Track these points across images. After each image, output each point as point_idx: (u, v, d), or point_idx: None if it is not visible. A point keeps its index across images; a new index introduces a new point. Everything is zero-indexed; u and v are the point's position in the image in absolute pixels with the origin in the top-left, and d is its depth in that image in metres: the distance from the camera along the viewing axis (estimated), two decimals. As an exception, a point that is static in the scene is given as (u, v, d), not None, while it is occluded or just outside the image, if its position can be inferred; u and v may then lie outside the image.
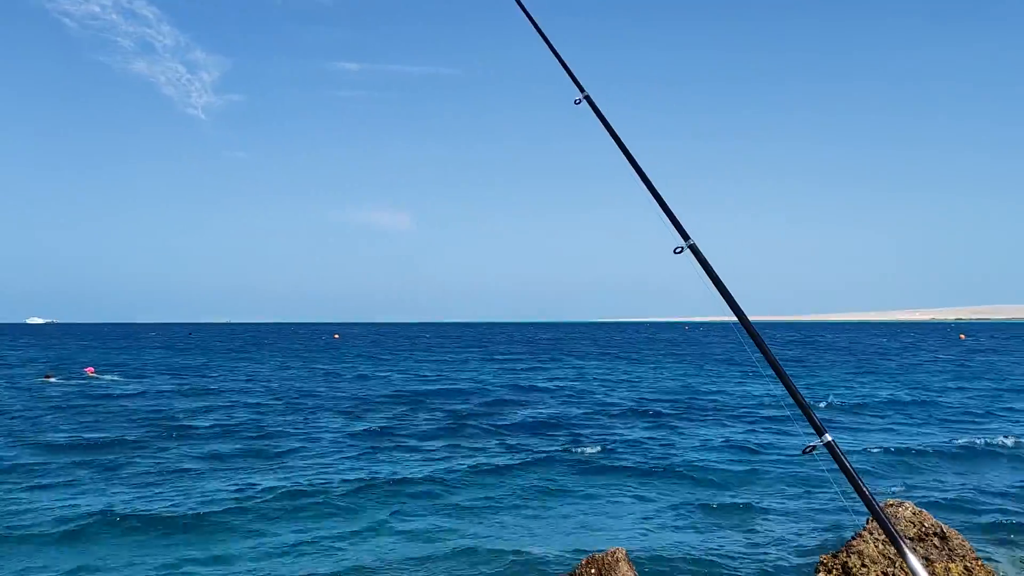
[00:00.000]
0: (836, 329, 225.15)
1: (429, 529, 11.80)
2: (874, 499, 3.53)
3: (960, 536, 9.91)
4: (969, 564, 9.39)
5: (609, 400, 30.06)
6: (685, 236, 4.48)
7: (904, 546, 3.37)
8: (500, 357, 63.30)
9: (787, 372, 3.93)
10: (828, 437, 3.71)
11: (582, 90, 5.24)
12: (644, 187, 4.73)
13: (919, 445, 19.28)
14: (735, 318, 4.21)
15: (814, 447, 3.74)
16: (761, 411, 26.24)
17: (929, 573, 8.88)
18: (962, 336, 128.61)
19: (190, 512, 12.51)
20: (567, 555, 10.32)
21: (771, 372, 4.06)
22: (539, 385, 36.47)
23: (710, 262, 4.38)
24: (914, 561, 3.34)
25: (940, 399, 30.48)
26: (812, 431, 3.83)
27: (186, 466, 16.54)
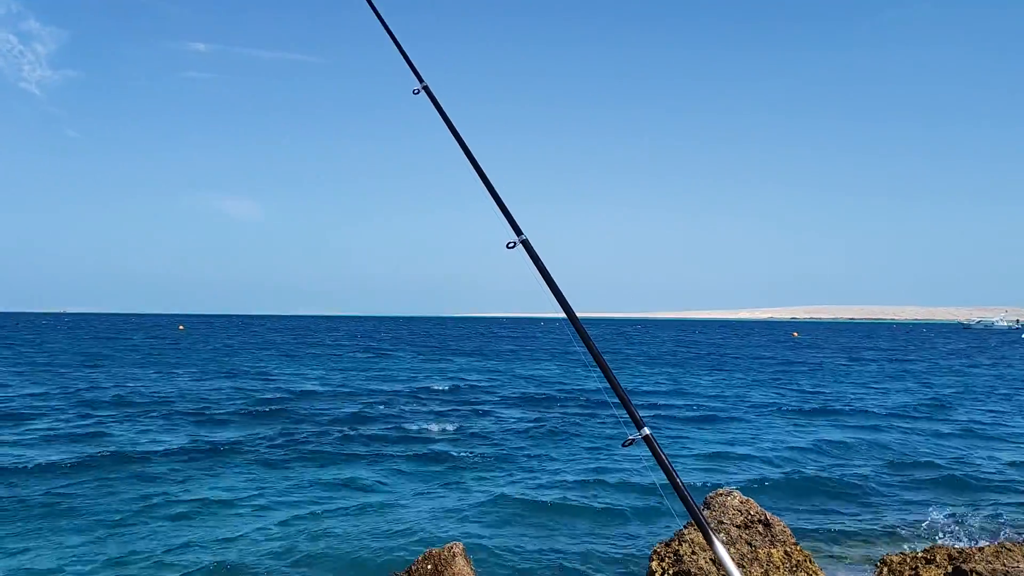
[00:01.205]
0: (687, 326, 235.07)
1: (256, 532, 11.40)
2: (687, 490, 3.64)
3: (782, 523, 10.50)
4: (789, 549, 9.96)
5: (448, 395, 30.04)
6: (518, 231, 4.50)
7: (712, 535, 3.50)
8: (333, 354, 61.89)
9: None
10: (646, 430, 3.81)
11: (421, 80, 5.19)
12: (480, 181, 4.72)
13: (744, 435, 20.38)
14: (580, 316, 4.26)
15: (633, 440, 3.82)
16: (591, 404, 26.98)
17: (736, 559, 9.35)
18: (795, 334, 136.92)
19: None
20: (403, 551, 10.25)
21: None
22: (375, 382, 36.11)
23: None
24: (720, 549, 3.47)
25: (749, 393, 32.34)
26: (634, 424, 3.92)
27: None
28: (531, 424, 22.06)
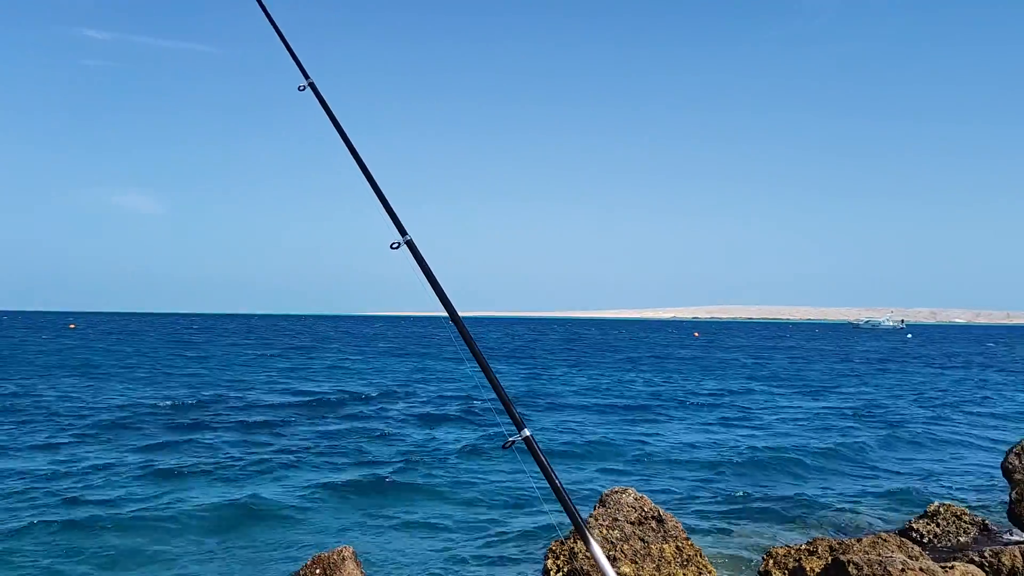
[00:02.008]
0: (596, 325, 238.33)
1: (140, 545, 10.95)
2: (564, 490, 3.67)
3: (675, 519, 10.74)
4: (680, 544, 10.19)
5: (329, 395, 29.15)
6: (403, 231, 4.46)
7: (588, 534, 3.54)
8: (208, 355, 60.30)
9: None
10: (527, 432, 3.82)
11: (307, 76, 5.08)
12: (365, 179, 4.65)
13: (649, 432, 20.83)
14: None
15: (513, 441, 3.83)
16: (475, 405, 26.38)
17: (629, 555, 9.52)
18: (696, 334, 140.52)
19: None
20: (293, 555, 10.06)
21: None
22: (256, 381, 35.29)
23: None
24: (595, 548, 3.52)
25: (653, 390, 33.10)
26: (515, 425, 3.92)
27: None
28: (420, 428, 21.63)
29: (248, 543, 10.98)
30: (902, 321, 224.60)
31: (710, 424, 23.24)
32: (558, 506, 3.47)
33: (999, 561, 8.18)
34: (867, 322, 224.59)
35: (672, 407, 26.98)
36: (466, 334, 4.11)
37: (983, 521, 12.10)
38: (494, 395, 4.10)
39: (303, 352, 60.80)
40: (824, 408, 28.07)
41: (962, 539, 11.69)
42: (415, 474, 15.56)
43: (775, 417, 25.22)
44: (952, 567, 8.19)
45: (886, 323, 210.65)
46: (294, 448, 17.97)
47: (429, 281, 4.30)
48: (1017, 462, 10.59)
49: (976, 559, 8.45)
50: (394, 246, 4.41)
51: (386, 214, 4.53)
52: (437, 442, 19.26)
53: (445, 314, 4.21)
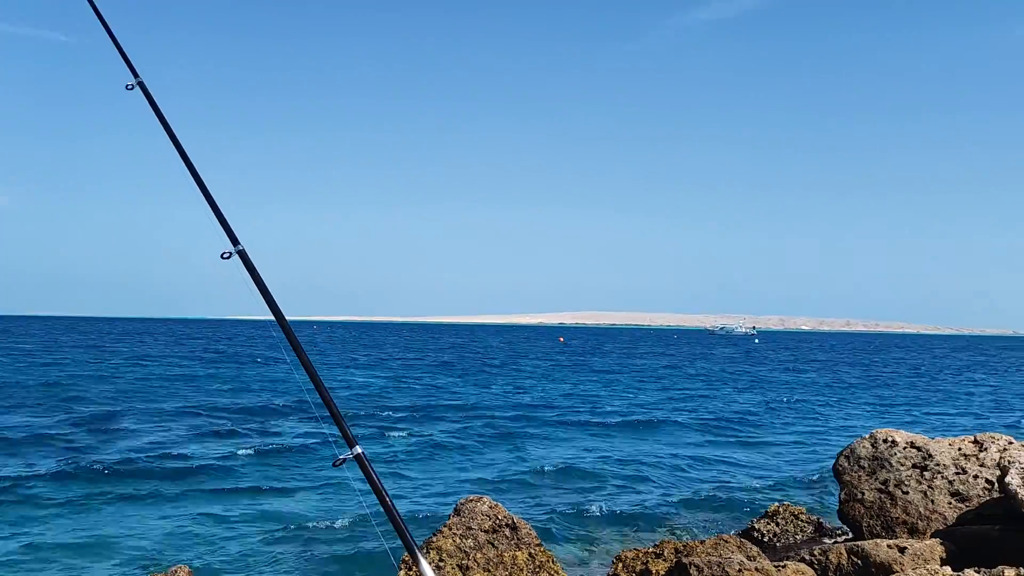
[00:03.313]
0: (465, 330, 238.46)
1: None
2: (395, 509, 3.60)
3: (528, 526, 10.85)
4: (533, 551, 10.30)
5: (158, 405, 27.14)
6: (235, 240, 4.28)
7: (417, 553, 3.49)
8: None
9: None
10: (358, 449, 3.74)
11: (136, 75, 4.81)
12: (196, 186, 4.44)
13: (470, 438, 21.08)
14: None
15: (344, 459, 3.74)
16: (307, 420, 24.14)
17: (482, 563, 9.53)
18: (561, 339, 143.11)
19: None
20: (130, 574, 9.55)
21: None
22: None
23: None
24: (424, 566, 3.47)
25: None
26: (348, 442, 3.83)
27: None
28: (249, 440, 20.12)
29: (83, 559, 10.35)
30: (753, 327, 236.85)
31: (575, 433, 23.61)
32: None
33: (827, 559, 8.65)
34: (722, 328, 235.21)
35: (535, 416, 27.25)
36: (298, 346, 3.98)
37: (818, 520, 12.81)
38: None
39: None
40: (678, 412, 29.08)
41: (799, 538, 12.34)
42: (257, 488, 14.79)
43: (629, 425, 25.93)
44: (784, 566, 8.62)
45: (739, 329, 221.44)
46: (128, 451, 17.12)
47: (263, 294, 4.14)
48: (847, 464, 11.25)
49: (807, 558, 8.91)
50: (225, 256, 4.23)
51: (217, 222, 4.34)
52: (271, 457, 17.95)
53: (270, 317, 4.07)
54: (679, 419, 27.01)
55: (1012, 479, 8.24)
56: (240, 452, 18.31)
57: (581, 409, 29.25)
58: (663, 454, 19.75)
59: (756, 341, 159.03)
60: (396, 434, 21.81)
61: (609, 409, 29.60)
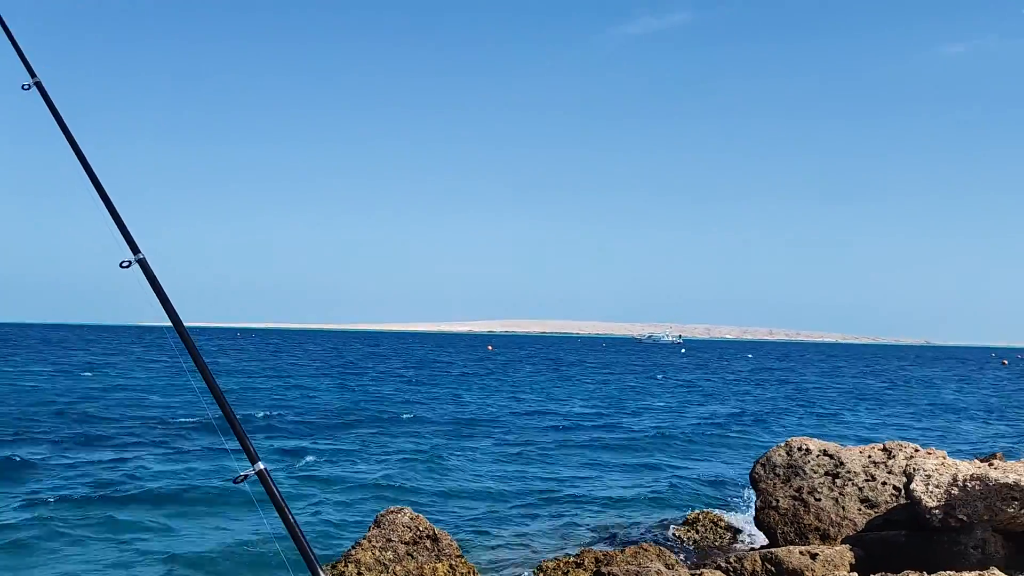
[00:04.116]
0: (395, 338, 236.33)
1: None
2: (298, 527, 3.51)
3: (450, 537, 10.78)
4: (454, 562, 10.23)
5: (44, 420, 24.66)
6: (135, 249, 4.13)
7: (319, 569, 3.41)
8: None
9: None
10: (261, 465, 3.63)
11: (33, 75, 4.60)
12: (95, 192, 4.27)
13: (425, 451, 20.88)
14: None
15: (246, 476, 3.63)
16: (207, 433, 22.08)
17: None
18: (490, 347, 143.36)
19: None
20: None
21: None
22: None
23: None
24: (325, 582, 3.39)
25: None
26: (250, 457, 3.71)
27: None
28: (142, 458, 18.48)
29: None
30: (679, 336, 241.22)
31: (500, 443, 23.58)
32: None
33: (742, 566, 8.79)
34: (649, 337, 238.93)
35: (459, 426, 27.13)
36: (198, 357, 3.85)
37: (736, 527, 13.06)
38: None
39: None
40: (604, 421, 29.34)
41: (718, 544, 12.56)
42: (157, 505, 13.86)
43: (554, 433, 26.06)
44: (700, 574, 8.74)
45: (665, 338, 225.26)
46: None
47: (163, 305, 4.00)
48: (763, 472, 11.48)
49: (723, 565, 9.04)
50: (124, 265, 4.07)
51: (117, 229, 4.17)
52: (153, 478, 16.39)
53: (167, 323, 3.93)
54: (604, 428, 27.24)
55: (917, 486, 8.51)
56: (133, 470, 16.89)
57: (506, 418, 29.26)
58: (588, 463, 19.88)
59: (682, 350, 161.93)
60: (307, 445, 21.04)
61: (536, 418, 29.68)
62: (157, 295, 4.01)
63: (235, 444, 3.74)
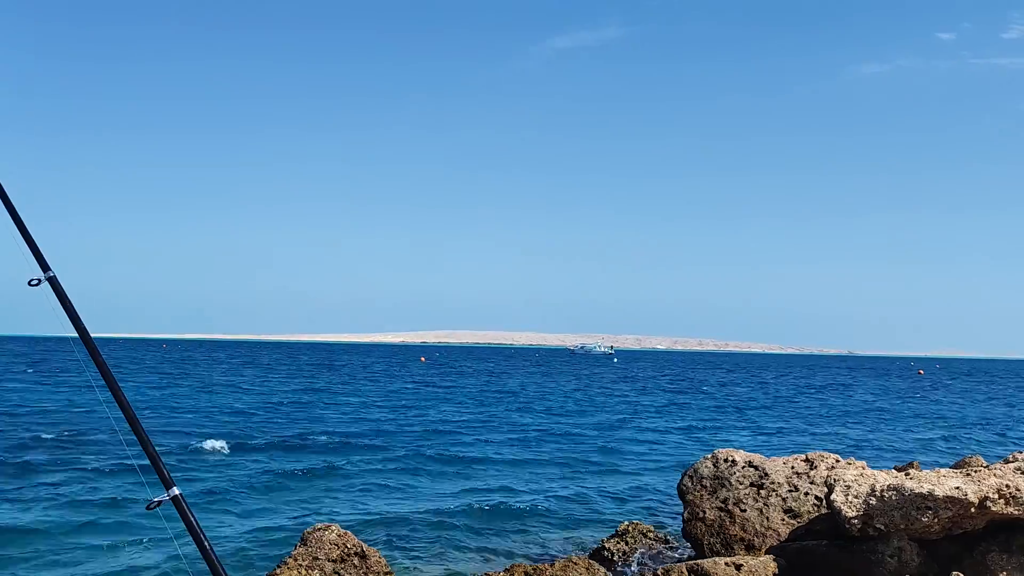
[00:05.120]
0: (323, 349, 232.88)
1: None
2: (216, 557, 3.41)
3: (378, 554, 10.66)
4: (381, 580, 10.13)
5: None
6: (45, 267, 3.98)
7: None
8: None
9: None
10: (176, 490, 3.52)
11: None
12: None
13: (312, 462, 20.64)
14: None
15: (160, 502, 3.52)
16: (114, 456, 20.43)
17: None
18: (423, 359, 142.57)
19: None
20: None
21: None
22: None
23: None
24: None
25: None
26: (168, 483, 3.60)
27: None
28: (46, 484, 17.08)
29: None
30: (611, 347, 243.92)
31: (429, 457, 23.39)
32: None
33: (669, 578, 8.88)
34: (582, 347, 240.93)
35: (389, 441, 26.86)
36: (110, 378, 3.72)
37: (666, 537, 13.20)
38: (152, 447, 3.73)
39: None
40: (535, 433, 29.41)
41: (647, 556, 12.67)
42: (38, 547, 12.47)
43: (491, 444, 26.03)
44: (629, 587, 8.81)
45: (598, 348, 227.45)
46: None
47: (75, 325, 3.85)
48: (690, 484, 11.63)
49: (650, 577, 9.11)
50: (33, 283, 3.92)
51: (25, 245, 4.01)
52: (58, 507, 15.12)
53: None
54: (535, 441, 27.31)
55: (837, 496, 8.72)
56: (35, 498, 15.69)
57: (438, 431, 29.10)
58: (518, 477, 19.88)
59: (615, 360, 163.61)
60: (224, 465, 20.07)
61: (467, 430, 29.60)
62: (68, 314, 3.86)
63: (148, 465, 3.62)
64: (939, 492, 8.09)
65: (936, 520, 8.15)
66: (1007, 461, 9.32)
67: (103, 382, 3.73)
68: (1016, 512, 7.95)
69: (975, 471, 8.61)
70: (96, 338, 3.93)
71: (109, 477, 17.90)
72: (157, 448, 3.71)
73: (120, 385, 3.73)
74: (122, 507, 14.99)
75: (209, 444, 22.97)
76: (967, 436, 32.55)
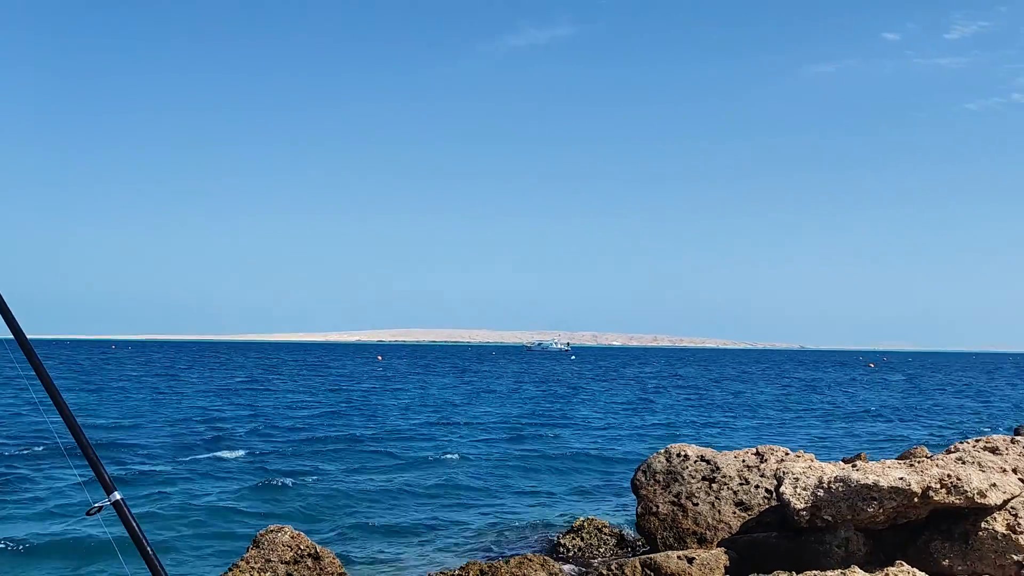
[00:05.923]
0: (284, 349, 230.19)
1: None
2: (157, 559, 3.35)
3: (332, 554, 10.58)
4: (336, 581, 10.07)
5: None
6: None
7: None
8: None
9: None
10: (117, 495, 3.46)
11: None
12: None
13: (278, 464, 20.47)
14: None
15: (100, 507, 3.44)
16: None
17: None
18: (379, 357, 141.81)
19: None
20: None
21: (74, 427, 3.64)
22: None
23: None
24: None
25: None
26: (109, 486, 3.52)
27: None
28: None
29: None
30: (568, 343, 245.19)
31: (386, 455, 23.29)
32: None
33: (623, 572, 8.96)
34: (539, 344, 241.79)
35: (345, 439, 26.70)
36: (45, 376, 3.63)
37: (621, 533, 13.29)
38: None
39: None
40: (492, 432, 29.44)
41: (603, 551, 12.75)
42: None
43: (443, 444, 25.99)
44: (583, 582, 8.87)
45: (555, 345, 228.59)
46: None
47: (12, 329, 3.76)
48: (643, 478, 11.74)
49: (603, 572, 9.18)
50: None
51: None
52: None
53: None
54: (491, 439, 27.34)
55: (786, 488, 8.87)
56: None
57: (394, 431, 28.98)
58: (473, 475, 19.87)
59: (572, 357, 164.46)
60: (169, 469, 19.51)
61: (426, 430, 29.52)
62: (3, 316, 3.76)
63: (87, 470, 3.55)
64: (884, 483, 8.27)
65: (881, 510, 8.33)
66: (949, 451, 9.56)
67: (40, 384, 3.65)
68: (958, 501, 8.16)
69: (918, 461, 8.82)
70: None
71: (43, 481, 17.27)
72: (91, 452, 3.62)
73: (59, 385, 3.65)
74: (61, 514, 14.39)
75: (153, 446, 22.58)
76: (915, 426, 33.36)
